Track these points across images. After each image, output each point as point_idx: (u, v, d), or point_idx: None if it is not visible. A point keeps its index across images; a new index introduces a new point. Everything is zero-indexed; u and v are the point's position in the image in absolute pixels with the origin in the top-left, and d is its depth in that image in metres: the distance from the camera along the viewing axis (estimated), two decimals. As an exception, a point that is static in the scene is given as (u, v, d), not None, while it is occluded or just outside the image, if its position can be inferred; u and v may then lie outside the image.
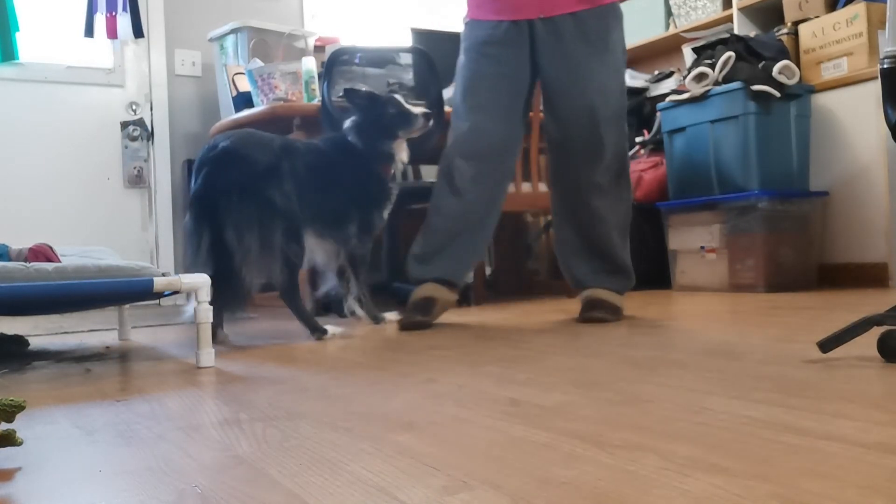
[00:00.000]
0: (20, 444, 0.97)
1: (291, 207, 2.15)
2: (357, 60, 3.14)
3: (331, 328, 2.17)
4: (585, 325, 2.20)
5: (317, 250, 2.36)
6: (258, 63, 3.22)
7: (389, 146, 2.42)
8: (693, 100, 3.46)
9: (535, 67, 2.32)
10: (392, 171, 2.47)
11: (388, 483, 0.79)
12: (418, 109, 2.44)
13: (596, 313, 2.26)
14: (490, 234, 2.43)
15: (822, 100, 3.41)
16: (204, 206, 2.05)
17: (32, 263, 1.64)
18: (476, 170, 2.31)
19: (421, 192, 3.09)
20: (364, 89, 2.53)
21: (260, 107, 3.04)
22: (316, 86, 3.07)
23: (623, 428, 0.98)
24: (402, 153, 2.47)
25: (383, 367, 1.58)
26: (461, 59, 2.41)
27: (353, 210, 2.38)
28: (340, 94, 2.71)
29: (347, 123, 2.44)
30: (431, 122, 2.43)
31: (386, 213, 2.48)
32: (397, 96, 2.48)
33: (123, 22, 3.67)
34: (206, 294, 1.72)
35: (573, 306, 2.86)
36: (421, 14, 4.47)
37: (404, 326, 2.29)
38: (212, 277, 1.74)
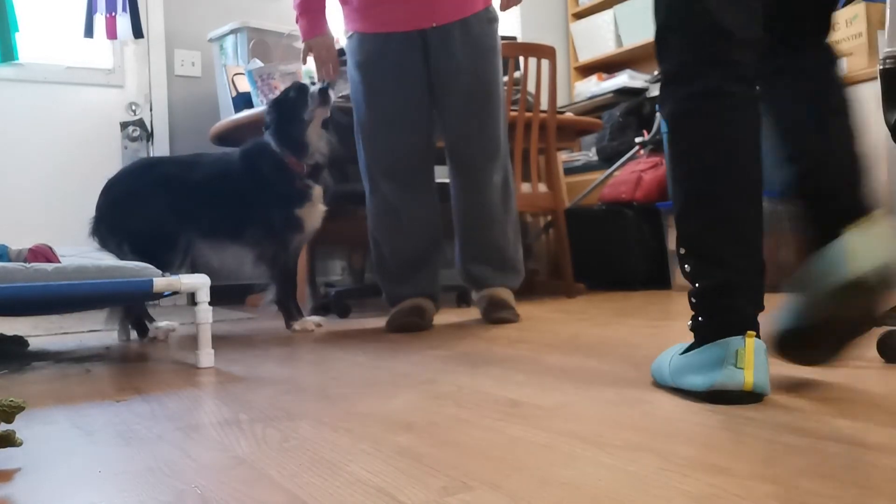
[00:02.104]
0: (20, 444, 0.97)
1: (160, 229, 2.29)
2: (357, 61, 3.13)
3: (165, 323, 2.36)
4: (585, 325, 2.20)
5: (225, 258, 2.40)
6: (258, 63, 3.22)
7: (301, 135, 2.34)
8: (693, 100, 3.45)
9: (429, 75, 2.31)
10: (306, 165, 2.35)
11: (388, 483, 0.79)
12: (316, 87, 2.36)
13: (504, 314, 2.34)
14: (441, 241, 2.41)
15: (821, 100, 3.41)
16: (96, 234, 2.31)
17: (32, 264, 1.64)
18: (402, 186, 2.31)
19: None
20: (278, 96, 2.49)
21: (259, 107, 3.04)
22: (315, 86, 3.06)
23: (623, 428, 0.97)
24: (319, 143, 2.36)
25: (383, 367, 1.58)
26: (353, 75, 2.36)
27: (260, 213, 2.34)
28: (340, 94, 2.71)
29: (266, 124, 2.41)
30: (329, 98, 2.34)
31: (305, 212, 2.35)
32: (305, 82, 2.42)
33: (123, 22, 3.66)
34: (205, 294, 1.72)
35: (572, 306, 2.86)
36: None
37: (397, 327, 2.26)
38: None
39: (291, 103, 2.36)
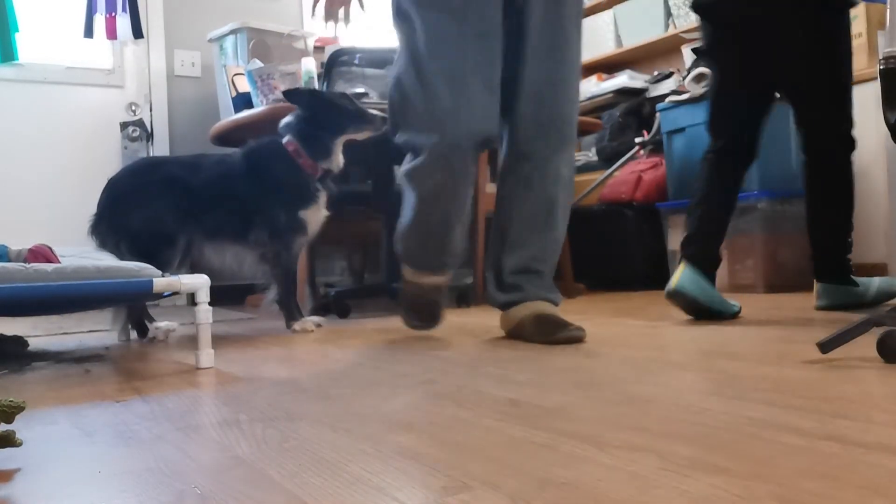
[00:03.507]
0: (19, 445, 0.97)
1: (162, 228, 2.29)
2: (356, 61, 3.14)
3: (165, 324, 2.36)
4: (585, 325, 2.19)
5: (227, 258, 2.41)
6: (258, 64, 3.22)
7: (331, 142, 2.35)
8: (693, 100, 3.46)
9: (510, 28, 1.84)
10: (321, 171, 2.37)
11: (388, 484, 0.79)
12: (375, 112, 2.37)
13: (573, 332, 1.80)
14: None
15: (821, 100, 3.41)
16: (95, 230, 2.31)
17: (31, 264, 1.63)
18: (457, 169, 1.84)
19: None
20: (305, 89, 2.50)
21: (259, 107, 3.04)
22: (315, 87, 3.07)
23: (623, 428, 0.97)
24: (339, 154, 2.38)
25: (383, 367, 1.58)
26: (413, 16, 1.83)
27: (265, 213, 2.34)
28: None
29: (284, 121, 2.41)
30: (386, 127, 2.28)
31: (310, 213, 2.37)
32: (350, 93, 2.43)
33: (123, 22, 3.67)
34: (205, 294, 1.72)
35: (573, 306, 2.86)
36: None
37: (413, 307, 2.09)
38: None
39: (337, 110, 2.36)
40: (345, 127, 2.37)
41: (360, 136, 2.40)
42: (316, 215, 2.39)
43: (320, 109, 2.38)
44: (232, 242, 2.39)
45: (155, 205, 2.31)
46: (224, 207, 2.35)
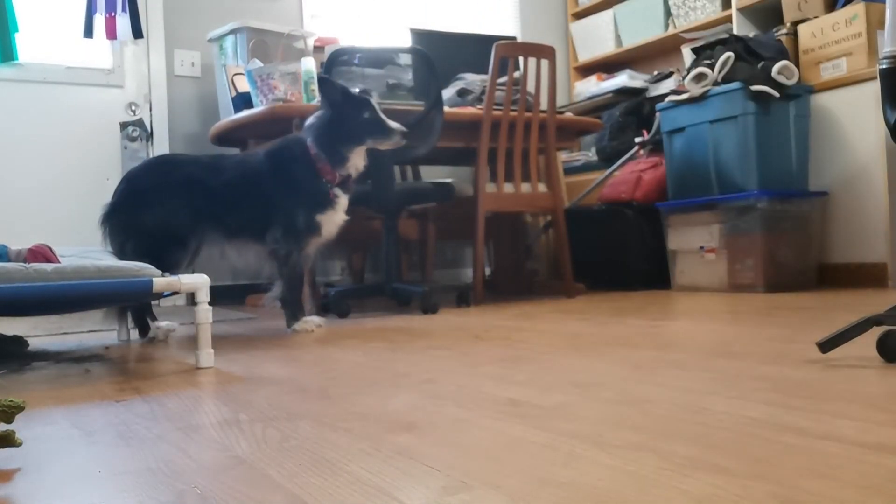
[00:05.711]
0: (19, 444, 0.97)
1: (177, 224, 2.29)
2: (356, 61, 3.14)
3: (165, 324, 2.36)
4: (585, 325, 2.19)
5: (239, 256, 2.42)
6: (257, 63, 3.22)
7: (348, 150, 2.37)
8: (692, 100, 3.46)
9: None
10: (339, 175, 2.38)
11: (388, 483, 0.79)
12: (396, 125, 2.38)
13: None
14: None
15: (821, 100, 3.41)
16: (107, 221, 2.31)
17: (31, 264, 1.63)
18: None
19: (419, 192, 3.09)
20: (340, 84, 2.48)
21: (259, 107, 3.04)
22: (315, 86, 3.06)
23: (623, 428, 0.98)
24: (359, 160, 2.41)
25: (383, 367, 1.58)
26: None
27: (283, 213, 2.35)
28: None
29: (309, 120, 2.42)
30: (405, 142, 2.37)
31: (326, 217, 2.39)
32: (373, 101, 2.42)
33: (123, 22, 3.66)
34: (205, 294, 1.72)
35: (572, 306, 2.85)
36: (420, 14, 4.47)
37: None
38: None
39: (355, 119, 2.36)
40: (364, 137, 2.38)
41: (380, 147, 2.41)
42: (332, 219, 2.40)
43: (344, 112, 2.37)
44: (255, 242, 2.39)
45: (171, 204, 2.31)
46: (246, 207, 2.35)
